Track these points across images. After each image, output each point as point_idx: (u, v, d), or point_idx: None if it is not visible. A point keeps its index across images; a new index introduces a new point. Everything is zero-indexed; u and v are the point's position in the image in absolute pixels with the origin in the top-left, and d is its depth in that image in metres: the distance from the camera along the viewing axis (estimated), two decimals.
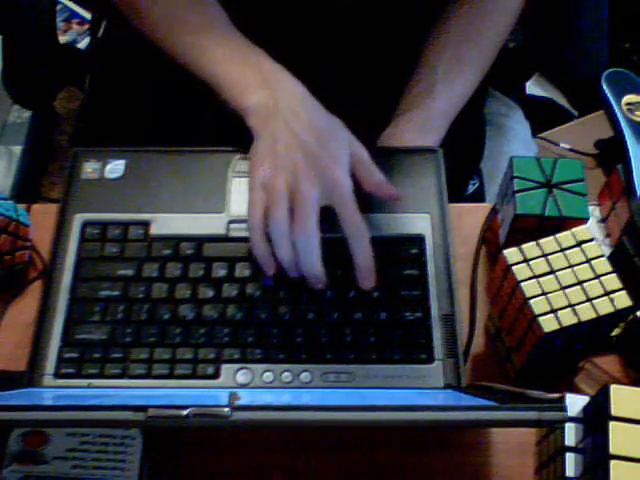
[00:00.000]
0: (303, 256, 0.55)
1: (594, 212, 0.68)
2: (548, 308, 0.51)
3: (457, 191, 0.82)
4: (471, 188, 0.85)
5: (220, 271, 0.60)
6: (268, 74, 0.61)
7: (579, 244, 0.54)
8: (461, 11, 0.72)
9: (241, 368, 0.56)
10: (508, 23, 0.74)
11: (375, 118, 0.72)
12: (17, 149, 1.40)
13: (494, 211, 0.66)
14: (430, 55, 0.72)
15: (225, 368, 0.56)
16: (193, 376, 0.56)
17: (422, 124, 0.70)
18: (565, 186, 0.59)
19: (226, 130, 0.61)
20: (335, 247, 0.60)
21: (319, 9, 0.71)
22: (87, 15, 1.53)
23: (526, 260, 0.53)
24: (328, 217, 0.56)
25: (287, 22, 0.72)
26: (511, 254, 0.53)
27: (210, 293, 0.59)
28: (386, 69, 0.76)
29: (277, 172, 0.56)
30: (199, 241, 0.61)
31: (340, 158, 0.57)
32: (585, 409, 0.51)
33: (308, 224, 0.55)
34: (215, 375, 0.56)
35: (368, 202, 0.63)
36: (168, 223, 0.62)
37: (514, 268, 0.53)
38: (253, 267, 0.59)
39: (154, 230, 0.62)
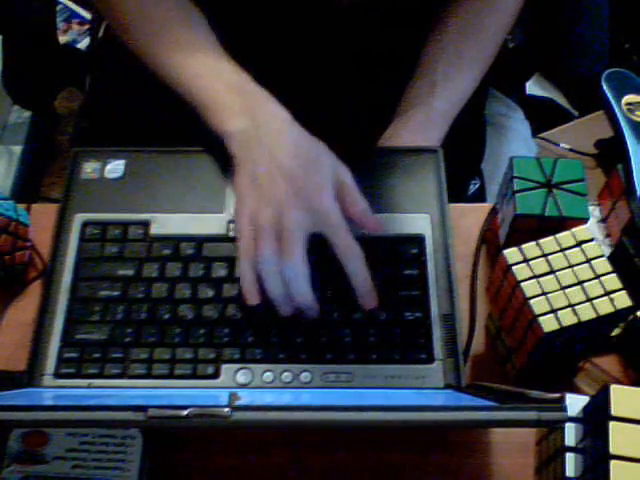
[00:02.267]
0: (293, 287, 0.54)
1: (594, 212, 0.68)
2: (548, 308, 0.51)
3: (458, 191, 0.82)
4: (472, 188, 0.85)
5: (220, 271, 0.60)
6: (251, 99, 0.60)
7: (579, 244, 0.54)
8: (460, 10, 0.72)
9: (241, 368, 0.56)
10: (507, 21, 0.74)
11: (376, 118, 0.72)
12: (17, 149, 1.40)
13: (494, 211, 0.66)
14: (430, 54, 0.72)
15: (225, 368, 0.56)
16: (193, 376, 0.56)
17: (422, 124, 0.70)
18: (565, 186, 0.59)
19: None
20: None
21: (320, 10, 0.71)
22: (87, 15, 1.53)
23: (526, 260, 0.53)
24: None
25: (288, 24, 0.72)
26: (511, 254, 0.53)
27: (210, 293, 0.59)
28: (387, 69, 0.76)
29: (261, 205, 0.55)
30: (199, 241, 0.61)
31: (325, 185, 0.56)
32: (585, 409, 0.51)
33: (295, 255, 0.54)
34: (215, 375, 0.56)
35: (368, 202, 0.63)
36: (168, 223, 0.62)
37: (514, 268, 0.53)
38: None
39: (154, 230, 0.62)
